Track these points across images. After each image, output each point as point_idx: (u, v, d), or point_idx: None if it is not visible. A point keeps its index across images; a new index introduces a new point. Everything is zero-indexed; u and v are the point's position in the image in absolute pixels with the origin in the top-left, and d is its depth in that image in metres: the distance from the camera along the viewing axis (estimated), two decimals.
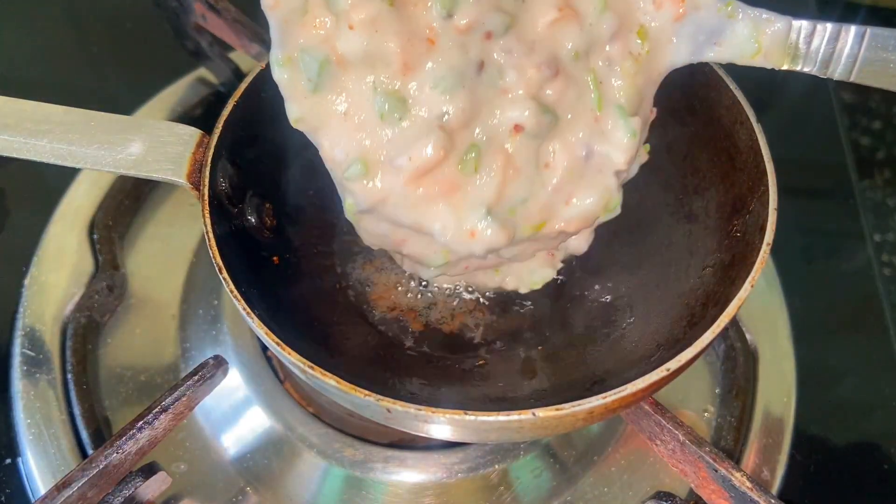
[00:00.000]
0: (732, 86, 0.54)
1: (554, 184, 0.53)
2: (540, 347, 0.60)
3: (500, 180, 0.51)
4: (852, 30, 0.45)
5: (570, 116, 0.51)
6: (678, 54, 0.50)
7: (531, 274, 0.62)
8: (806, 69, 0.47)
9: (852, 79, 0.46)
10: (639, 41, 0.50)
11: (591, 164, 0.53)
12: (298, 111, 0.48)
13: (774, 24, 0.46)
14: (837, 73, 0.46)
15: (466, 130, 0.49)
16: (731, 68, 0.54)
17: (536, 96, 0.50)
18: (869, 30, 0.44)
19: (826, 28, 0.45)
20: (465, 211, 0.51)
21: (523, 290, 0.62)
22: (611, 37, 0.50)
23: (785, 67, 0.47)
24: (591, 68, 0.51)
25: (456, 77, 0.47)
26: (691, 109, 0.58)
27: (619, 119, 0.52)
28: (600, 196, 0.54)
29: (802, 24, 0.46)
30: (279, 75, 0.46)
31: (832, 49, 0.45)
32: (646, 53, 0.50)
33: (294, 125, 0.48)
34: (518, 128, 0.50)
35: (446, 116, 0.48)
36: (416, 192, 0.50)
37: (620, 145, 0.52)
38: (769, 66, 0.48)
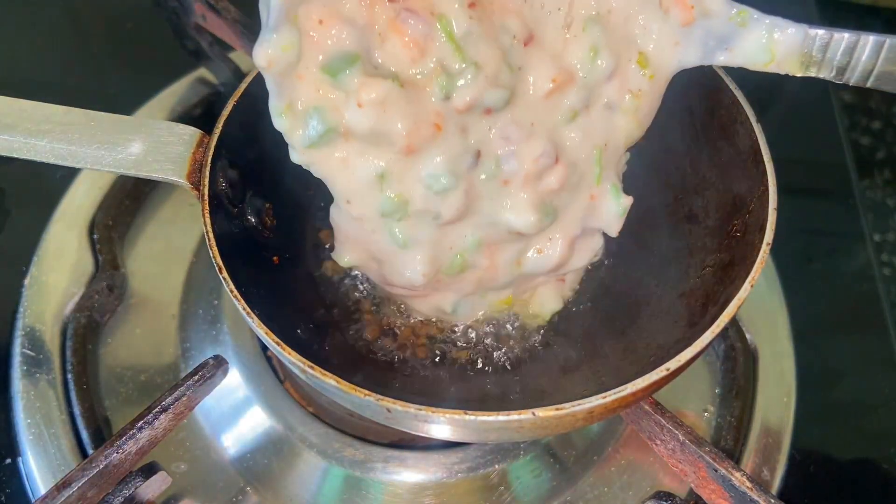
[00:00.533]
0: (732, 86, 0.54)
1: (547, 270, 0.55)
2: (540, 347, 0.60)
3: (479, 278, 0.54)
4: (871, 40, 0.43)
5: (568, 203, 0.52)
6: (686, 56, 0.49)
7: (539, 307, 0.61)
8: (821, 76, 0.46)
9: (868, 85, 0.45)
10: (640, 70, 0.50)
11: (583, 237, 0.55)
12: (299, 158, 0.48)
13: (789, 33, 0.45)
14: (853, 80, 0.45)
15: (459, 228, 0.51)
16: (731, 68, 0.54)
17: (539, 195, 0.51)
18: (888, 40, 0.43)
19: (843, 38, 0.44)
20: (436, 306, 0.55)
21: (528, 321, 0.62)
22: (609, 77, 0.49)
23: (799, 75, 0.46)
24: (595, 144, 0.52)
25: (452, 178, 0.48)
26: (691, 109, 0.58)
27: (613, 198, 0.53)
28: (589, 257, 0.57)
29: (818, 34, 0.44)
30: (279, 124, 0.46)
31: (848, 59, 0.44)
32: (648, 78, 0.50)
33: (298, 163, 0.49)
34: (518, 234, 0.51)
35: (441, 215, 0.50)
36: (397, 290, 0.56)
37: (613, 222, 0.54)
38: (782, 73, 0.47)
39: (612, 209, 0.54)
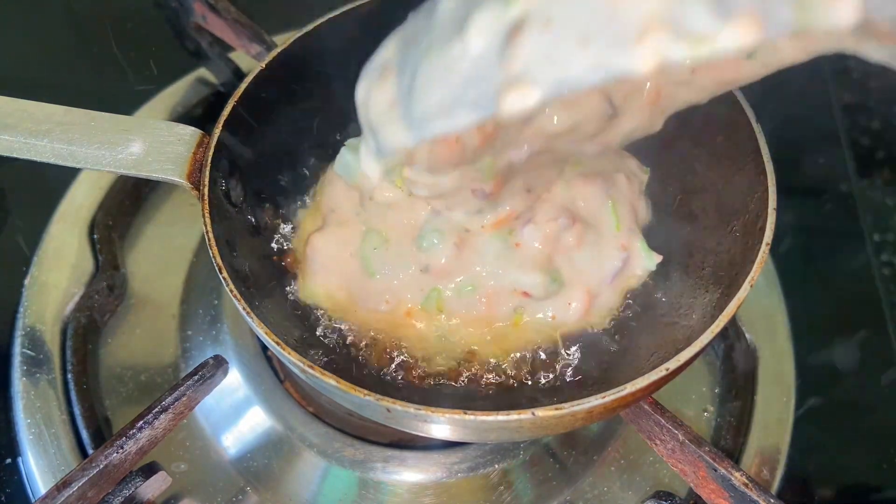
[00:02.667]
0: None
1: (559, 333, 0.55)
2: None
3: (470, 321, 0.54)
4: None
5: (592, 258, 0.54)
6: None
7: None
8: None
9: None
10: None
11: (601, 296, 0.55)
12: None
13: None
14: None
15: (448, 278, 0.53)
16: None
17: (550, 258, 0.52)
18: None
19: None
20: (420, 343, 0.55)
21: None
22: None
23: None
24: (609, 195, 0.55)
25: (441, 236, 0.51)
26: (691, 109, 0.58)
27: (645, 255, 0.56)
28: (606, 319, 0.56)
29: None
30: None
31: None
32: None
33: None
34: (525, 294, 0.52)
35: (429, 267, 0.52)
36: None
37: (635, 276, 0.56)
38: None
39: (642, 265, 0.56)
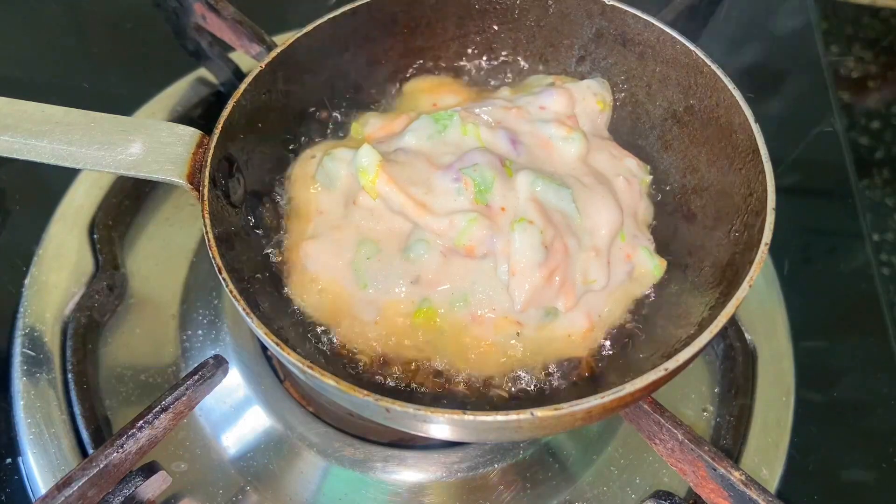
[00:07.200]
0: (731, 86, 0.54)
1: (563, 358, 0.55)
2: None
3: (457, 333, 0.54)
4: None
5: (596, 282, 0.54)
6: None
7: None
8: None
9: None
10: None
11: (606, 316, 0.55)
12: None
13: None
14: None
15: (437, 290, 0.53)
16: (728, 67, 0.54)
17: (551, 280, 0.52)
18: None
19: None
20: (415, 351, 0.54)
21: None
22: None
23: None
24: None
25: (427, 246, 0.52)
26: (690, 109, 0.58)
27: (648, 259, 0.56)
28: (610, 325, 0.56)
29: None
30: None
31: None
32: None
33: None
34: (518, 323, 0.52)
35: (419, 278, 0.53)
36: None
37: (645, 283, 0.56)
38: None
39: (648, 270, 0.56)
